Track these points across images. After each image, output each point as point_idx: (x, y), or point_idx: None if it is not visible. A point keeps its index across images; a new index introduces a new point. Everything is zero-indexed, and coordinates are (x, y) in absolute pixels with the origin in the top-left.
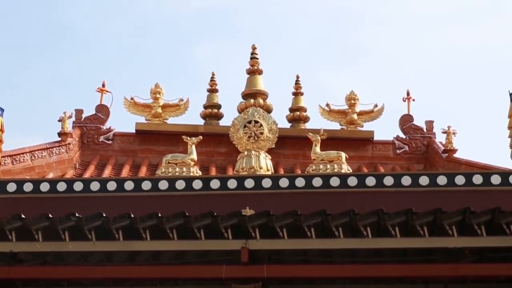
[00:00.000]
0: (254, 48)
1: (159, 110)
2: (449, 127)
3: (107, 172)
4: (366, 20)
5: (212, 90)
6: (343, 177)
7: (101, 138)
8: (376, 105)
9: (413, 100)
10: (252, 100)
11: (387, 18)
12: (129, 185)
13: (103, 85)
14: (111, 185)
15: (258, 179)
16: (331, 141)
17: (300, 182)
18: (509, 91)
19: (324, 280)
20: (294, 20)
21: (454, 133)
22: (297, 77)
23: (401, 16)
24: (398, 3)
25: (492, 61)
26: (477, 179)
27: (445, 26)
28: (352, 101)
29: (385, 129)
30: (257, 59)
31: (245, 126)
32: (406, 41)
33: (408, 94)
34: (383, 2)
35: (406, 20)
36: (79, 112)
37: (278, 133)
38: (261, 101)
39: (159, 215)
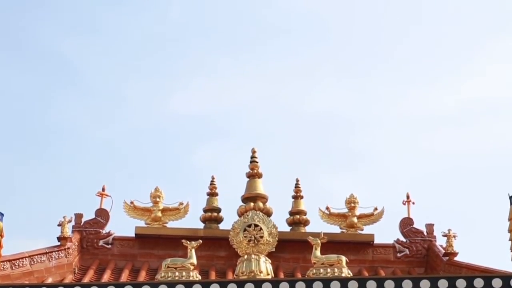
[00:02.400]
0: (253, 151)
1: (159, 214)
2: (449, 230)
3: (106, 277)
4: (361, 125)
5: (212, 194)
6: (344, 281)
7: (101, 243)
8: (376, 208)
9: (413, 203)
10: (252, 204)
11: (380, 122)
12: None
13: (103, 189)
14: None
15: (258, 283)
16: (331, 244)
17: (300, 286)
18: (508, 194)
19: None
20: (291, 124)
21: (454, 236)
22: (297, 180)
23: (394, 120)
24: (390, 108)
25: (491, 164)
26: (478, 282)
27: (439, 129)
28: (352, 204)
29: (385, 232)
30: (257, 162)
31: (245, 230)
32: (402, 144)
33: (407, 197)
34: (375, 107)
35: (400, 124)
36: (78, 216)
37: (278, 236)
38: (261, 204)
39: None
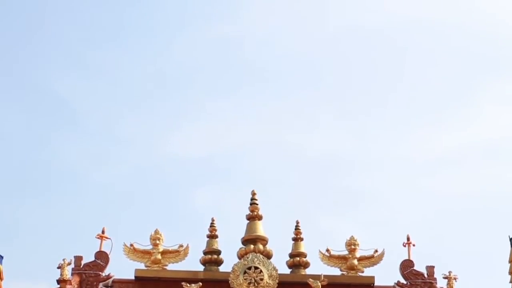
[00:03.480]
0: (253, 193)
1: (159, 256)
2: (450, 272)
3: None
4: (360, 166)
5: (212, 236)
6: None
7: (100, 285)
8: (376, 250)
9: (413, 245)
10: (252, 246)
11: (380, 163)
12: None
13: (103, 232)
14: None
15: None
16: (332, 286)
17: None
18: (509, 236)
19: None
20: (291, 166)
21: (455, 278)
22: (297, 222)
23: (394, 161)
24: (390, 149)
25: (491, 206)
26: None
27: (439, 171)
28: (352, 246)
29: (386, 274)
30: (257, 204)
31: (245, 272)
32: (402, 186)
33: (408, 239)
34: (374, 148)
35: (400, 165)
36: (78, 258)
37: (278, 279)
38: (261, 246)
39: None
